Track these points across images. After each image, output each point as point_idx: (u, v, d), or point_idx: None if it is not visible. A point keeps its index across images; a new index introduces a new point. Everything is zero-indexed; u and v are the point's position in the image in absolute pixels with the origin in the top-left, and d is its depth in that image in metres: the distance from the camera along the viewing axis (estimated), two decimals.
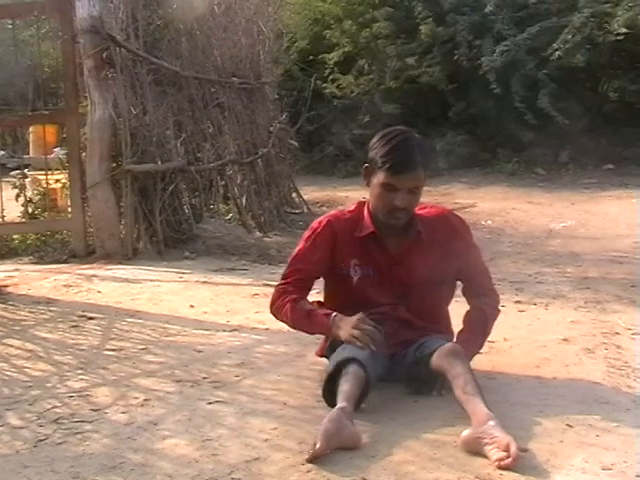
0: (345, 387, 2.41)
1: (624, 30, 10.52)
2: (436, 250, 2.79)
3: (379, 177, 2.70)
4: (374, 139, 2.78)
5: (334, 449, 2.17)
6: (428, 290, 2.80)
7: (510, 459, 2.07)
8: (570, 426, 2.34)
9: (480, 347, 2.79)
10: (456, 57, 11.77)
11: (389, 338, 2.71)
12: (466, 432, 2.21)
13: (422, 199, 2.82)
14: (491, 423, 2.21)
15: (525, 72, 11.16)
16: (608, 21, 10.89)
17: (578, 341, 3.32)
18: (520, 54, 11.17)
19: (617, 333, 3.44)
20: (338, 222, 2.87)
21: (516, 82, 11.17)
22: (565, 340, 3.34)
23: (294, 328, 2.90)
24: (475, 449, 2.17)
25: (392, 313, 2.80)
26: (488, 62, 11.20)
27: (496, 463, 2.08)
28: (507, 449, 2.09)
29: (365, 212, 2.85)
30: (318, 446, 2.13)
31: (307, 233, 2.90)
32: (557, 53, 10.94)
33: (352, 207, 2.92)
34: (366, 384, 2.47)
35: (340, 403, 2.33)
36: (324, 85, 12.75)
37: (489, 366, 2.95)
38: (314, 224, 2.91)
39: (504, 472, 2.03)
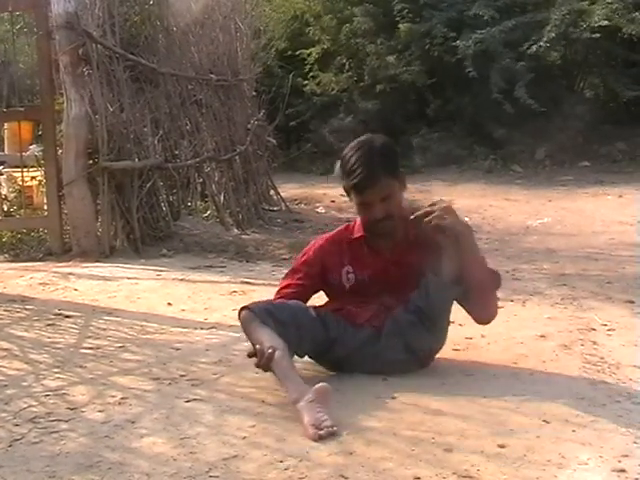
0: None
1: (605, 23, 10.60)
2: (426, 243, 2.79)
3: (353, 197, 2.82)
4: (342, 154, 2.84)
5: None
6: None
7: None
8: (547, 422, 2.35)
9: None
10: (433, 52, 11.81)
11: (374, 320, 2.81)
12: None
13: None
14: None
15: (502, 66, 11.22)
16: (584, 18, 10.98)
17: (555, 337, 3.34)
18: (495, 45, 11.24)
19: (593, 329, 3.47)
20: (325, 238, 3.01)
21: (495, 74, 11.24)
22: (542, 336, 3.36)
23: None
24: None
25: (378, 299, 2.84)
26: (463, 48, 11.26)
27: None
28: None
29: (356, 221, 2.94)
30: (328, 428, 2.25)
31: (301, 254, 3.04)
32: (534, 47, 11.02)
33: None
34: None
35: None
36: (304, 82, 12.77)
37: (466, 362, 2.97)
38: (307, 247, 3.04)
39: (481, 467, 2.04)
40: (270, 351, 2.53)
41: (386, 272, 2.84)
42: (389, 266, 2.85)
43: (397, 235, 2.85)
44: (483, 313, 2.88)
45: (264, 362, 2.55)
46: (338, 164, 2.85)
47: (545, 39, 10.98)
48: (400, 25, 12.07)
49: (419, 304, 2.74)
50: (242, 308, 2.77)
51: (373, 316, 2.83)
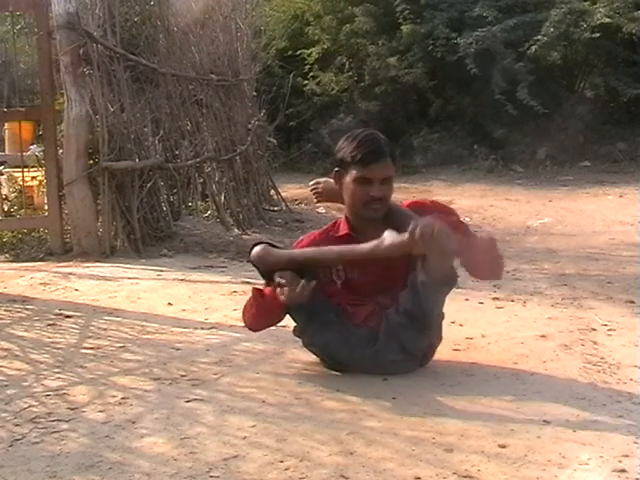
0: None
1: (607, 20, 10.62)
2: None
3: (352, 174, 2.77)
4: (339, 142, 2.85)
5: None
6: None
7: None
8: (547, 422, 2.35)
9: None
10: (434, 52, 11.81)
11: (370, 320, 2.80)
12: None
13: (401, 197, 2.85)
14: None
15: (503, 65, 11.23)
16: (585, 18, 11.00)
17: (555, 337, 3.34)
18: (496, 44, 11.25)
19: (593, 329, 3.47)
20: (314, 234, 2.99)
21: (497, 75, 11.25)
22: (542, 336, 3.36)
23: (257, 320, 2.93)
24: None
25: (373, 299, 2.84)
26: (464, 46, 11.26)
27: None
28: None
29: (341, 219, 2.93)
30: None
31: None
32: (534, 47, 11.04)
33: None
34: None
35: None
36: (305, 82, 12.77)
37: (467, 362, 2.97)
38: (295, 244, 3.02)
39: (482, 467, 2.04)
40: None
41: (374, 271, 2.83)
42: (376, 265, 2.81)
43: (382, 231, 2.84)
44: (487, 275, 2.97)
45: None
46: (339, 143, 2.84)
47: (543, 33, 10.99)
48: (403, 27, 12.06)
49: (407, 306, 2.72)
50: (255, 244, 2.83)
51: (369, 316, 2.83)
